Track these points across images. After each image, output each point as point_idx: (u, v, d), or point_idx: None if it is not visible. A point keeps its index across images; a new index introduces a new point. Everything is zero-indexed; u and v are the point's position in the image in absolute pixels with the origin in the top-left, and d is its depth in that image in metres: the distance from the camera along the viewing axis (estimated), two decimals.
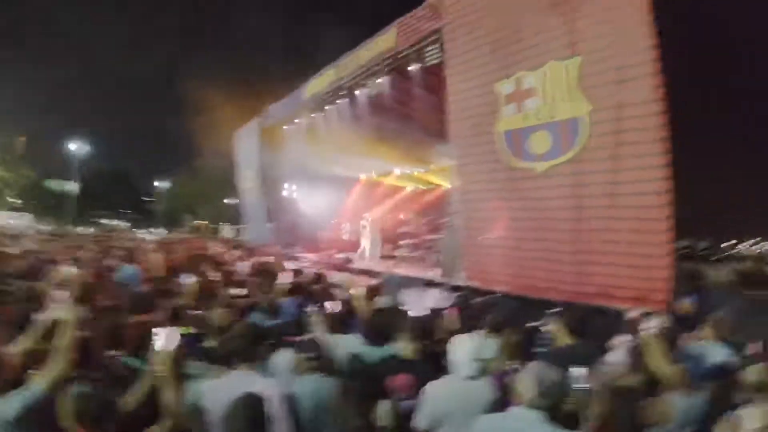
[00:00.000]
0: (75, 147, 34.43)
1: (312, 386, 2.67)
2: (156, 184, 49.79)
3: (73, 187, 39.55)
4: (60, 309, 2.56)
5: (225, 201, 42.16)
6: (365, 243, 13.55)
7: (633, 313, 4.70)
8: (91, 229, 24.63)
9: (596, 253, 6.50)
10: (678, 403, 2.76)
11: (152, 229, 34.96)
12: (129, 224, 41.13)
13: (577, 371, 2.84)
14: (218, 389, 2.38)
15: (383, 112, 13.83)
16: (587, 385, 2.79)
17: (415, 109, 13.27)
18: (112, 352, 2.82)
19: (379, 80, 10.85)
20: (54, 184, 40.61)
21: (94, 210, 54.70)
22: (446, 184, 15.35)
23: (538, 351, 3.80)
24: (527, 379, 2.13)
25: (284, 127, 16.11)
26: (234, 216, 30.42)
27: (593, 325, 5.19)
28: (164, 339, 2.43)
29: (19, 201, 39.96)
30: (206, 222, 47.87)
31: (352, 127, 14.19)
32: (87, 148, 37.86)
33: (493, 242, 7.88)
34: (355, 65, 11.91)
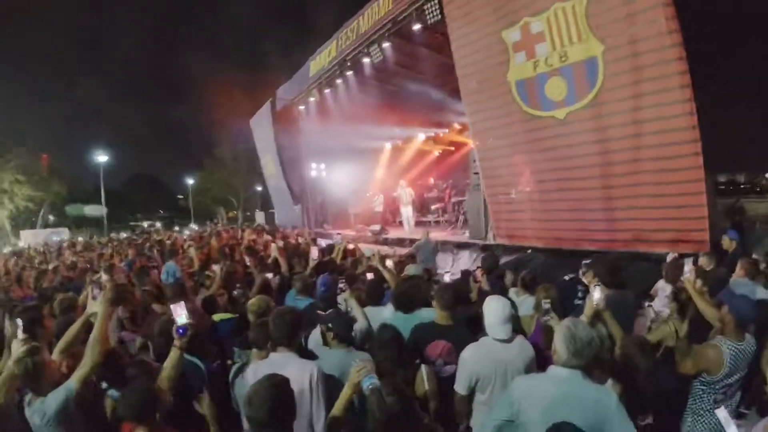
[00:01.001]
0: (99, 157, 35.33)
1: (344, 360, 2.69)
2: (189, 181, 51.01)
3: (95, 210, 40.36)
4: (93, 306, 2.72)
5: (257, 188, 42.75)
6: (404, 210, 13.49)
7: (672, 256, 4.60)
8: (123, 234, 25.62)
9: (627, 197, 6.29)
10: (727, 348, 2.65)
11: (192, 225, 36.00)
12: (161, 224, 42.37)
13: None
14: (257, 374, 2.40)
15: (393, 78, 13.58)
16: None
17: (424, 72, 12.96)
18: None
19: (384, 45, 10.55)
20: (74, 209, 41.75)
21: (130, 214, 57.19)
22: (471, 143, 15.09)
23: (577, 304, 3.75)
24: (560, 338, 2.08)
25: (298, 107, 16.01)
26: (266, 202, 30.89)
27: (634, 272, 5.13)
28: (182, 314, 2.59)
29: (52, 217, 41.80)
30: (236, 212, 48.98)
31: (365, 97, 13.99)
32: (111, 157, 38.72)
33: (518, 197, 7.74)
34: (355, 35, 11.63)
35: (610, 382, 2.45)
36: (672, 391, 2.94)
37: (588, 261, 3.84)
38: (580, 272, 3.81)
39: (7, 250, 22.55)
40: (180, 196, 59.95)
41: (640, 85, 5.84)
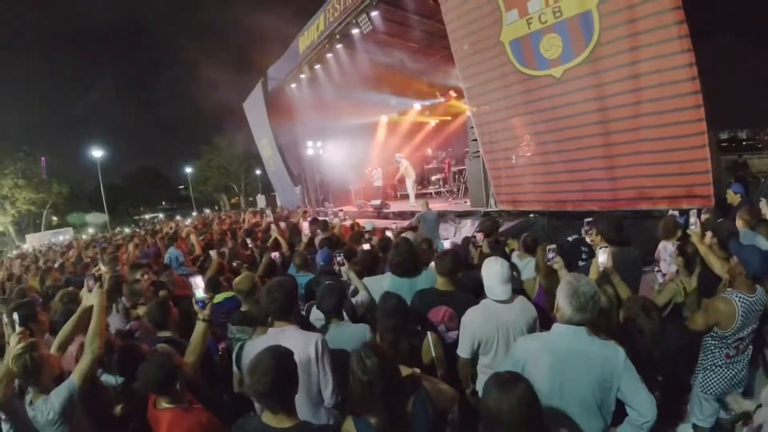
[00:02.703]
0: (96, 152, 35.18)
1: (346, 332, 2.70)
2: (188, 170, 50.93)
3: (96, 218, 40.19)
4: (90, 297, 2.67)
5: (257, 173, 42.68)
6: (409, 182, 13.40)
7: (677, 212, 4.50)
8: (126, 230, 25.75)
9: (629, 154, 6.13)
10: (738, 301, 2.60)
11: (194, 214, 36.11)
12: (163, 216, 42.57)
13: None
14: (257, 348, 2.45)
15: (384, 48, 13.26)
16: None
17: (416, 40, 12.66)
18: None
19: (373, 14, 10.24)
20: (76, 218, 41.78)
21: (133, 208, 57.44)
22: (468, 111, 14.84)
23: (580, 265, 3.67)
24: (563, 294, 2.03)
25: (290, 86, 15.74)
26: (267, 186, 30.81)
27: (637, 232, 5.02)
28: (200, 287, 2.64)
29: (55, 218, 42.03)
30: (238, 198, 49.04)
31: (357, 71, 13.70)
32: (110, 153, 38.48)
33: (518, 162, 7.61)
34: (342, 6, 11.27)
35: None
36: (681, 349, 2.89)
37: (590, 219, 3.73)
38: (583, 231, 3.70)
39: (12, 254, 22.71)
40: (181, 187, 59.99)
41: (638, 38, 5.63)
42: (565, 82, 6.50)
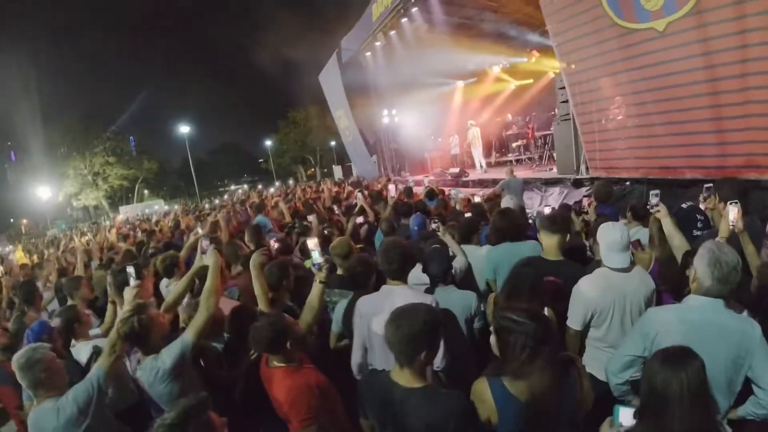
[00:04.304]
0: (183, 128, 37.77)
1: (453, 297, 2.65)
2: (267, 143, 53.54)
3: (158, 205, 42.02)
4: (204, 259, 2.80)
5: (332, 144, 43.67)
6: (475, 152, 13.08)
7: None
8: (216, 200, 27.60)
9: (737, 117, 5.46)
10: None
11: (277, 184, 38.06)
12: (247, 187, 45.28)
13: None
14: (372, 304, 2.48)
15: (461, 10, 12.71)
16: None
17: None
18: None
19: None
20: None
21: (218, 181, 61.86)
22: (552, 72, 13.95)
23: (696, 235, 3.37)
24: (703, 262, 1.84)
25: (365, 54, 15.63)
26: (342, 157, 31.48)
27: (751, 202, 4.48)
28: (315, 250, 2.72)
29: (147, 192, 46.01)
30: (314, 169, 50.61)
31: (432, 35, 13.31)
32: (195, 131, 40.85)
33: (615, 124, 7.03)
34: None
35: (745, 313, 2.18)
36: None
37: (709, 185, 3.37)
38: (701, 197, 3.36)
39: (107, 223, 25.19)
40: (260, 160, 63.25)
41: None
42: (669, 36, 5.83)
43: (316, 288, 2.70)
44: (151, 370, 2.24)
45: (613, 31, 6.49)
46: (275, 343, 2.15)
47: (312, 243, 2.78)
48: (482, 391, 1.71)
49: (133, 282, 2.85)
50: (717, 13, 5.26)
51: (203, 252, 2.89)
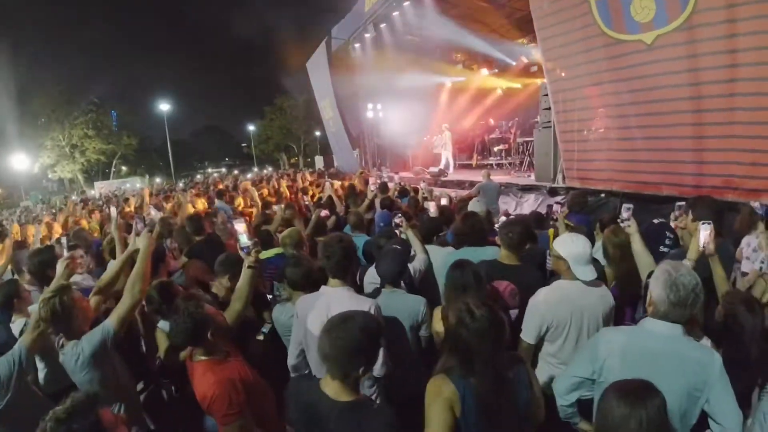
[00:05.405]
0: (163, 106, 37.11)
1: (399, 301, 2.51)
2: (251, 128, 52.85)
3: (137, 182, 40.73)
4: (137, 240, 2.63)
5: (316, 134, 43.23)
6: (446, 154, 13.07)
7: (757, 204, 3.94)
8: (180, 184, 27.07)
9: (720, 137, 5.45)
10: None
11: (255, 169, 37.49)
12: (225, 170, 44.46)
13: None
14: (309, 302, 2.37)
15: (454, 9, 12.57)
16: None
17: None
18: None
19: None
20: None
21: (198, 162, 60.85)
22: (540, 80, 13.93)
23: (662, 251, 3.26)
24: (659, 285, 1.71)
25: (354, 45, 15.38)
26: (325, 147, 31.16)
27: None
28: (242, 233, 2.55)
29: (124, 168, 44.81)
30: (297, 158, 50.14)
31: (423, 31, 13.16)
32: (178, 111, 39.98)
33: (595, 135, 6.97)
34: None
35: (706, 341, 2.05)
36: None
37: (681, 203, 3.28)
38: (672, 216, 3.26)
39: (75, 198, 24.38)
40: (244, 145, 62.40)
41: (736, 9, 4.91)
42: (656, 50, 5.80)
43: (246, 274, 2.50)
44: (71, 357, 2.11)
45: (601, 41, 6.43)
46: (194, 336, 2.00)
47: (240, 226, 2.60)
48: (441, 386, 1.64)
49: (66, 254, 2.71)
50: (708, 29, 5.24)
51: (137, 234, 2.69)
